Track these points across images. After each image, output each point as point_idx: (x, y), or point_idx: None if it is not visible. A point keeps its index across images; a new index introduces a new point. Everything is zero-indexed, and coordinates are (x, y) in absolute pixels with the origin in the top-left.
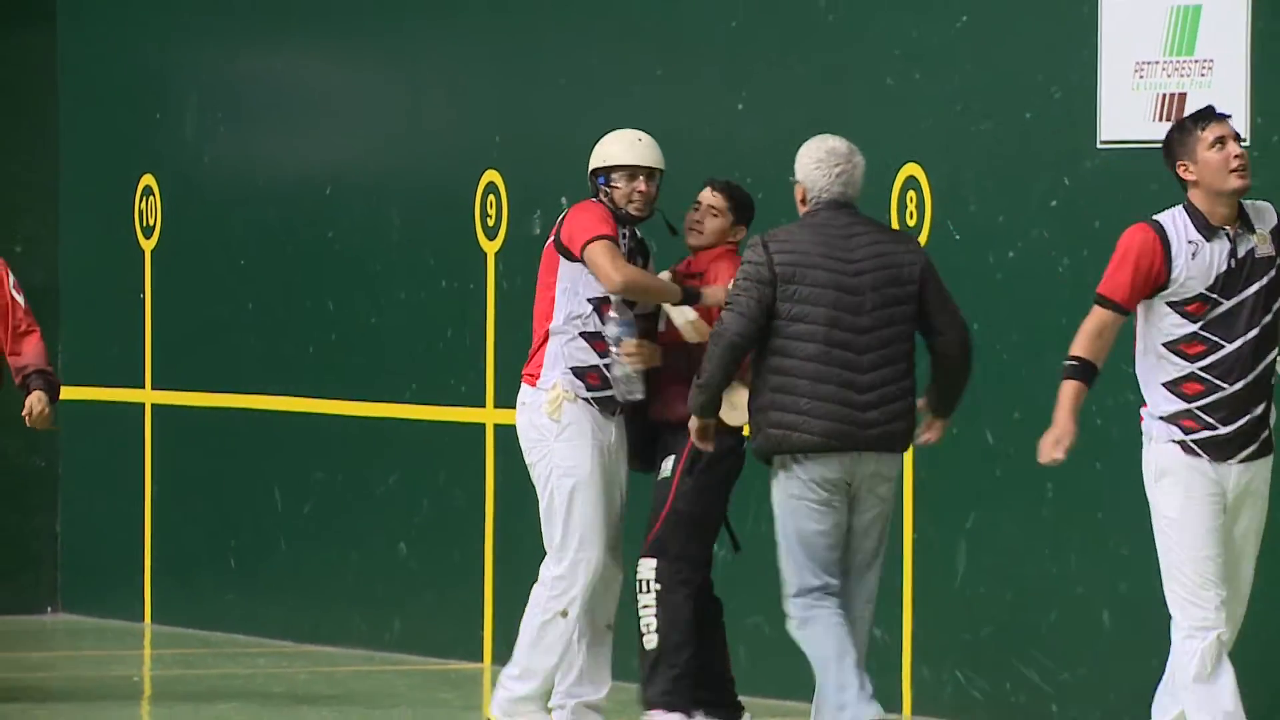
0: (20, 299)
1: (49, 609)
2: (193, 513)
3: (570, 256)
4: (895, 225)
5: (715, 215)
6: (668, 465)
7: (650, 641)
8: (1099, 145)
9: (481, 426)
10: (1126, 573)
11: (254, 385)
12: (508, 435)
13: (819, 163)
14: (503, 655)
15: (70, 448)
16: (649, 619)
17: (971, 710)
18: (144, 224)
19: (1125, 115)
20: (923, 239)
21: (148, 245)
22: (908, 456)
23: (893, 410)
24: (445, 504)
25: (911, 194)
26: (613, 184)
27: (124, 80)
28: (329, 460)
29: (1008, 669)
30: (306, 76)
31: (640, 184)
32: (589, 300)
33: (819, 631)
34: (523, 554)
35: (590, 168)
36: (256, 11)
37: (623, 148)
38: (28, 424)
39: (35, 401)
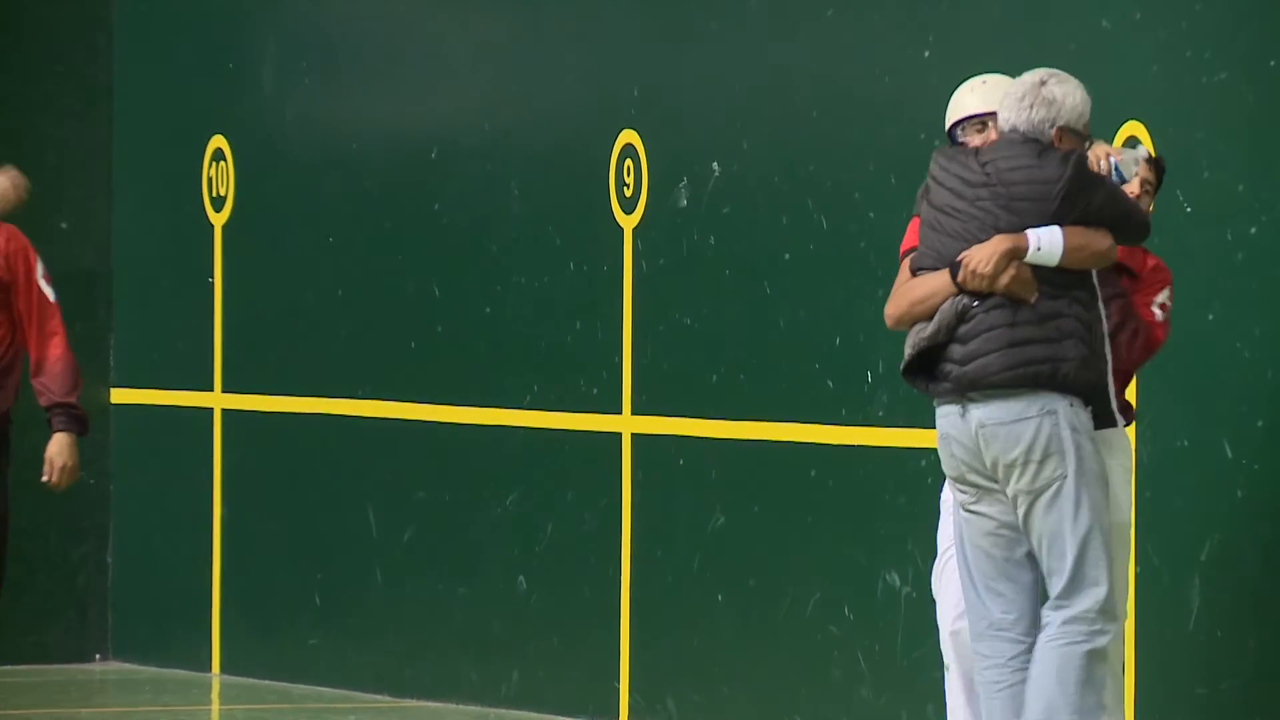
0: (50, 294)
1: (98, 656)
2: (270, 540)
3: None
4: None
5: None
6: None
7: None
8: None
9: (617, 436)
10: None
11: (344, 387)
12: (648, 446)
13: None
14: (641, 711)
15: (125, 462)
16: None
17: None
18: (214, 194)
19: None
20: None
21: (218, 220)
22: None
23: None
24: (574, 529)
25: None
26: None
27: (190, 25)
28: (434, 477)
29: None
30: (408, 19)
31: (990, 132)
32: None
33: None
34: (664, 589)
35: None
36: None
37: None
38: (49, 483)
39: (56, 454)
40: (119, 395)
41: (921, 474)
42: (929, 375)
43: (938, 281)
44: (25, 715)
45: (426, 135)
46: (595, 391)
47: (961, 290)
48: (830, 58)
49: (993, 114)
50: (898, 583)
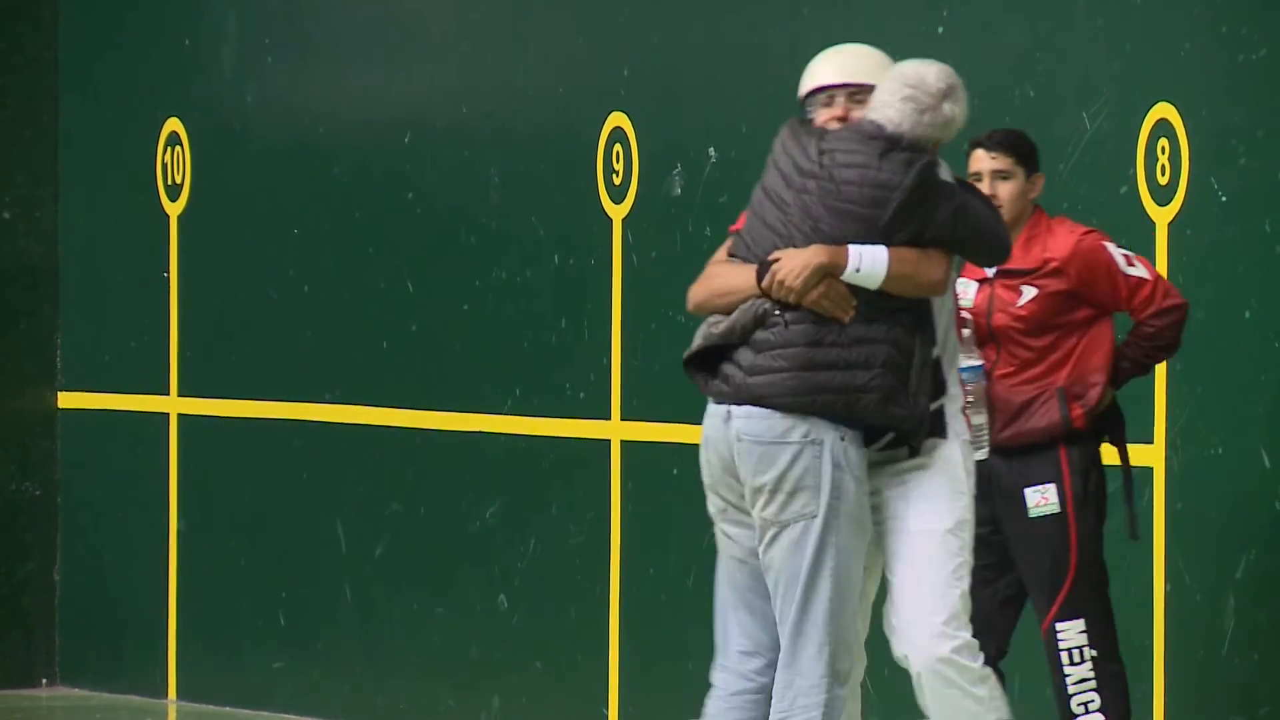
0: None
1: (44, 681)
2: (231, 556)
3: None
4: (1143, 182)
5: (1006, 179)
6: None
7: None
8: None
9: (606, 444)
10: None
11: (310, 391)
12: (638, 454)
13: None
14: None
15: (73, 471)
16: None
17: None
18: (169, 182)
19: None
20: (1177, 201)
21: (174, 210)
22: (1158, 479)
23: None
24: (558, 544)
25: (1164, 143)
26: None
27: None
28: (408, 488)
29: None
30: None
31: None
32: None
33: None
34: (656, 609)
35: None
36: None
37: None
38: None
39: None
40: (67, 399)
41: None
42: (711, 372)
43: (743, 279)
44: None
45: (400, 118)
46: (582, 395)
47: (766, 295)
48: (837, 34)
49: (847, 87)
50: None
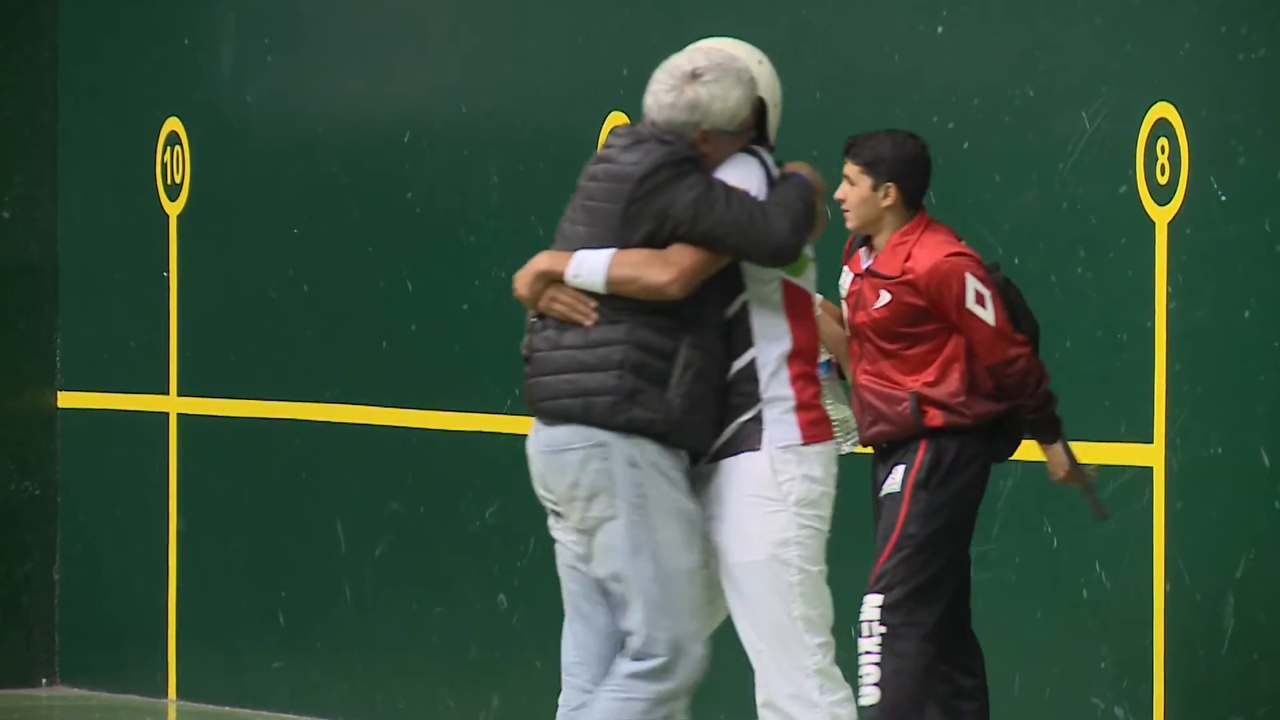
0: None
1: (44, 680)
2: (231, 556)
3: None
4: (1143, 182)
5: (851, 184)
6: None
7: None
8: None
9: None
10: None
11: (310, 391)
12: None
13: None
14: None
15: (73, 471)
16: None
17: None
18: (168, 182)
19: None
20: (1177, 200)
21: (173, 209)
22: (1158, 479)
23: None
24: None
25: (1163, 143)
26: None
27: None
28: (407, 488)
29: None
30: None
31: None
32: None
33: None
34: None
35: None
36: None
37: None
38: None
39: None
40: (66, 399)
41: None
42: None
43: None
44: None
45: (399, 118)
46: None
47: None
48: (836, 33)
49: None
50: None
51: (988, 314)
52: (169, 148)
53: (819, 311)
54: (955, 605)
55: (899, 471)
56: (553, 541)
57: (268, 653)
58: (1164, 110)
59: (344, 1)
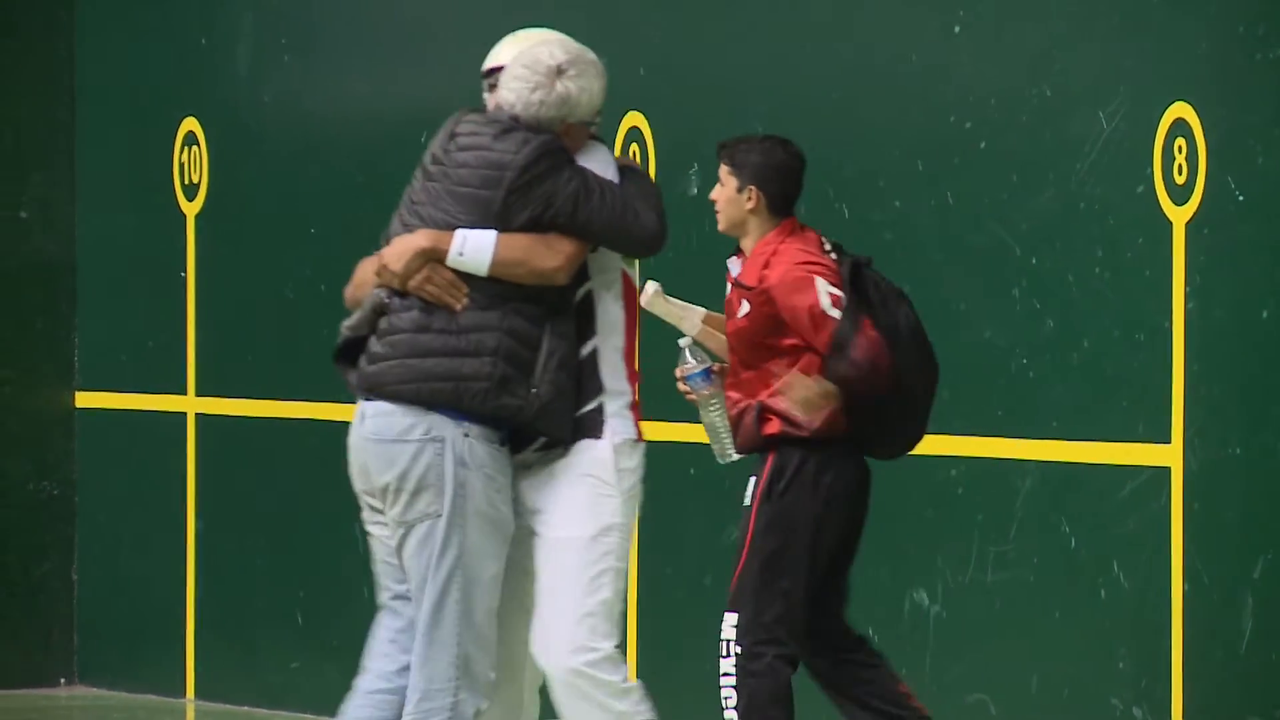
0: None
1: (63, 680)
2: (249, 555)
3: None
4: (1160, 181)
5: (720, 184)
6: None
7: None
8: None
9: None
10: None
11: (328, 390)
12: (656, 455)
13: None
14: None
15: (91, 471)
16: None
17: None
18: (185, 181)
19: None
20: (1194, 200)
21: (191, 209)
22: (1176, 479)
23: None
24: None
25: (1180, 143)
26: None
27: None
28: None
29: None
30: None
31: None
32: None
33: None
34: (675, 607)
35: None
36: None
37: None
38: None
39: None
40: (84, 399)
41: (950, 484)
42: (356, 367)
43: (370, 269)
44: None
45: (415, 118)
46: None
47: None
48: (852, 33)
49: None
50: (926, 601)
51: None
52: (186, 148)
53: (700, 326)
54: (828, 613)
55: (750, 484)
56: None
57: (286, 652)
58: (1181, 110)
59: (359, 2)
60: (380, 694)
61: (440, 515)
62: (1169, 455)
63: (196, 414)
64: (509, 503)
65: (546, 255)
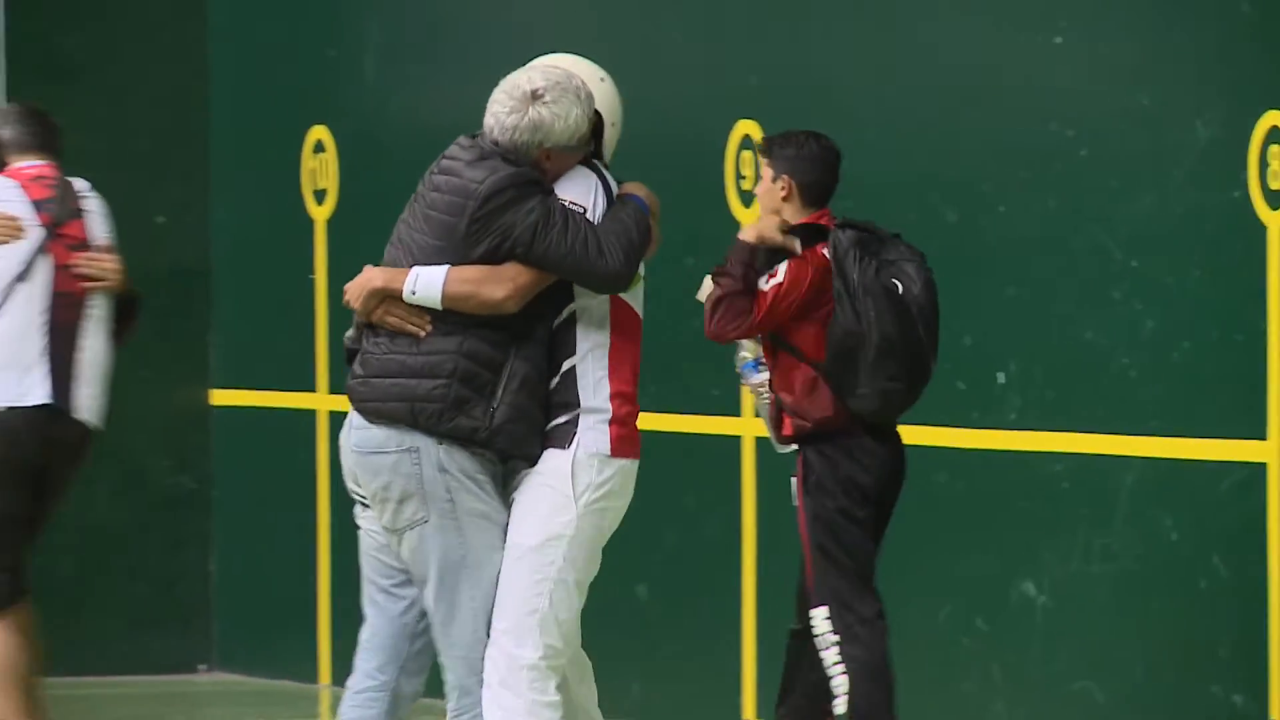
0: None
1: (202, 667)
2: None
3: None
4: (1255, 187)
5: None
6: None
7: None
8: None
9: (737, 440)
10: None
11: None
12: (771, 450)
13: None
14: None
15: (226, 466)
16: None
17: None
18: (315, 187)
19: None
20: None
21: (320, 214)
22: (1272, 475)
23: None
24: (694, 536)
25: (1275, 149)
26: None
27: (288, 9)
28: None
29: None
30: (516, 4)
31: None
32: None
33: None
34: (791, 599)
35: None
36: None
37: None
38: None
39: None
40: (219, 397)
41: (1055, 479)
42: None
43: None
44: None
45: None
46: (715, 393)
47: None
48: (957, 45)
49: None
50: (1032, 592)
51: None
52: (315, 155)
53: None
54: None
55: (792, 484)
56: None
57: None
58: (1276, 118)
59: (478, 12)
60: (366, 692)
61: (426, 521)
62: (1265, 451)
63: (328, 411)
64: (496, 495)
65: (495, 287)
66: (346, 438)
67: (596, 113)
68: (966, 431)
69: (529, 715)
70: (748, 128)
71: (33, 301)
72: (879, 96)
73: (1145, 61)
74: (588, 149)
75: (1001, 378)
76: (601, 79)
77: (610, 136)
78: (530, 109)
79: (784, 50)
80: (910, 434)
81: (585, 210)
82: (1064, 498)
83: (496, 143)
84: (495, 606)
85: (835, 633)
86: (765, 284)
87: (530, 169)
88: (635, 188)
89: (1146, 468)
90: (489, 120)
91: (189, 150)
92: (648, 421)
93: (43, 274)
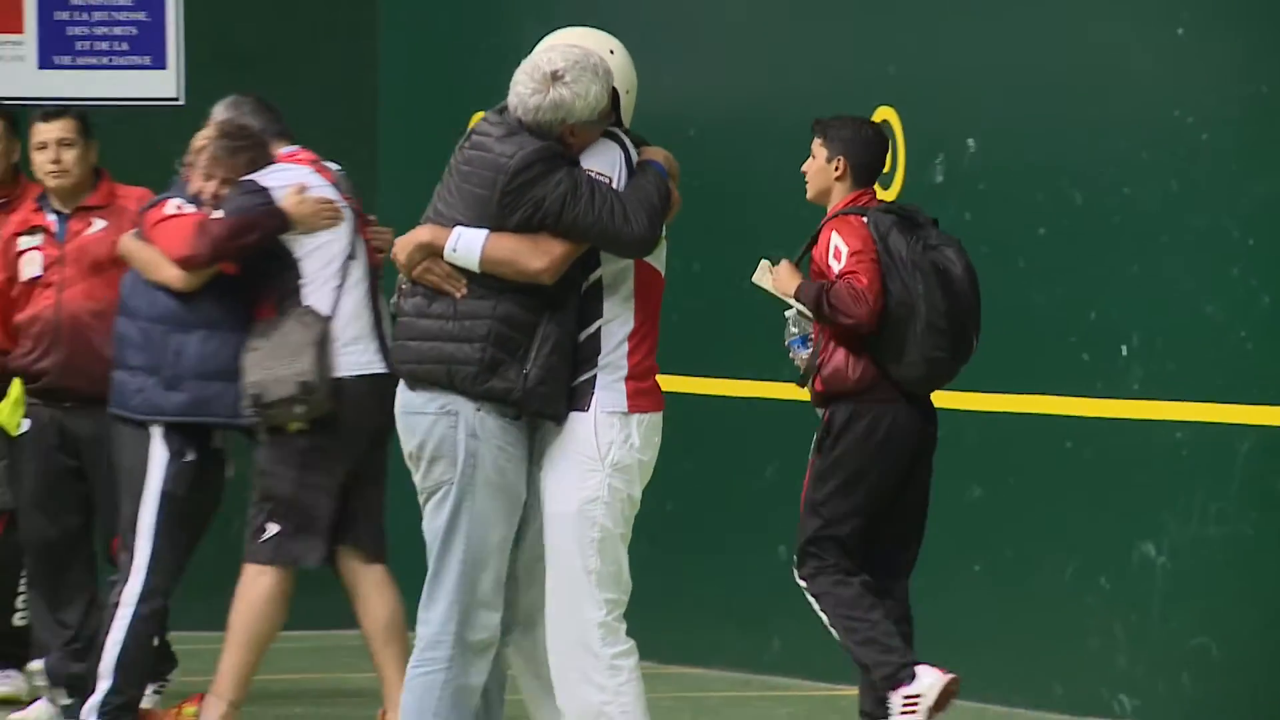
0: None
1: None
2: None
3: None
4: None
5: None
6: None
7: None
8: None
9: None
10: None
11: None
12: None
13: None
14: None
15: None
16: None
17: None
18: None
19: None
20: None
21: None
22: None
23: None
24: None
25: None
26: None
27: (450, 3)
28: (698, 449)
29: None
30: None
31: None
32: None
33: None
34: (921, 559)
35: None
36: None
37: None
38: None
39: None
40: None
41: (1175, 446)
42: None
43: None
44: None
45: (686, 114)
46: None
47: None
48: (1085, 33)
49: None
50: (1153, 553)
51: (837, 267)
52: None
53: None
54: (893, 572)
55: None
56: None
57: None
58: None
59: (638, 7)
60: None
61: (452, 483)
62: None
63: None
64: (521, 473)
65: (533, 257)
66: (397, 401)
67: (613, 86)
68: (1091, 401)
69: (609, 671)
70: (886, 113)
71: (365, 278)
72: (1009, 86)
73: (1261, 51)
74: (609, 121)
75: (1124, 350)
76: (611, 51)
77: (626, 104)
78: (552, 89)
79: (923, 37)
80: (1039, 403)
81: (610, 180)
82: (1183, 464)
83: (521, 120)
84: (550, 575)
85: (802, 579)
86: (835, 265)
87: (556, 143)
88: (654, 152)
89: (1262, 435)
90: (512, 100)
91: (359, 139)
92: (791, 392)
93: (362, 251)
